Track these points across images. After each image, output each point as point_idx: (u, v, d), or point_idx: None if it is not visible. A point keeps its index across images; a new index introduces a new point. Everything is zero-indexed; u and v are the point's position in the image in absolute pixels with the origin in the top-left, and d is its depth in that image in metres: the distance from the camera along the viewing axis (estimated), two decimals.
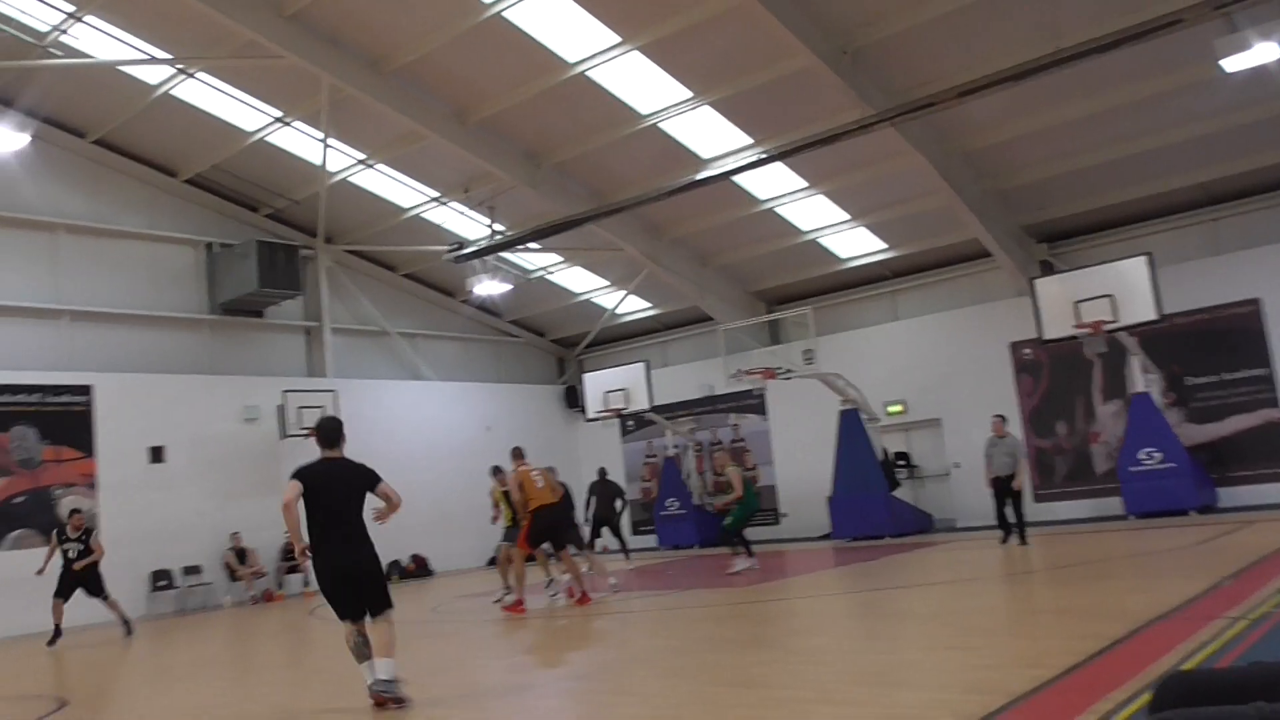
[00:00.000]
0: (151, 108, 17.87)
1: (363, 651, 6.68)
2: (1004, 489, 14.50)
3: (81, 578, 13.71)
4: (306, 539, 6.69)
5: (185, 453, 18.93)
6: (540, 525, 11.87)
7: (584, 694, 6.82)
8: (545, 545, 12.62)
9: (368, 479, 7.01)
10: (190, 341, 20.06)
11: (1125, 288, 15.94)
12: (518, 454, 12.66)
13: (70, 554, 13.62)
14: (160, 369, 19.19)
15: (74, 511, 14.33)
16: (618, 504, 18.19)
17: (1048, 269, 19.36)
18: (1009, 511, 14.63)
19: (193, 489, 18.97)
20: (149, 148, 19.49)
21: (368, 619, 6.78)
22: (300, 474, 6.79)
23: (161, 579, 18.19)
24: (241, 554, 18.88)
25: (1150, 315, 15.72)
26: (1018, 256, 19.30)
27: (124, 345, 19.01)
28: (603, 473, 18.88)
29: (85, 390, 17.86)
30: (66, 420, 17.55)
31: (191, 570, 18.60)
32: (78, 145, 18.81)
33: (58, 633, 13.57)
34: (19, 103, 16.90)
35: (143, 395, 18.51)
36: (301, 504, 6.64)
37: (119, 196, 19.40)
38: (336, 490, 6.81)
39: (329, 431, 7.15)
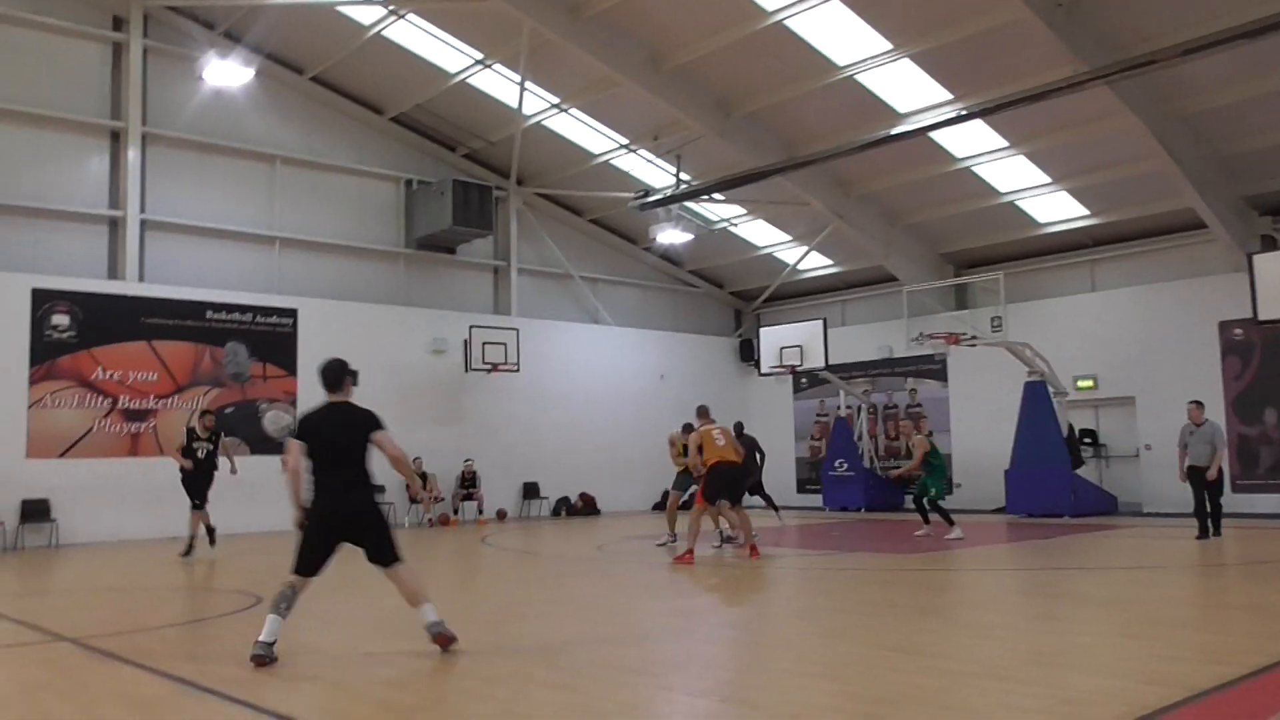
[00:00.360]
0: (364, 47, 18.69)
1: (284, 604, 6.16)
2: (1199, 480, 13.57)
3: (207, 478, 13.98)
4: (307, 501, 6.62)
5: (377, 378, 19.93)
6: (717, 481, 12.02)
7: (742, 643, 6.90)
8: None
9: (367, 424, 6.70)
10: (386, 273, 21.08)
11: None
12: (703, 412, 12.91)
13: (200, 454, 13.88)
14: (358, 298, 20.27)
15: (205, 413, 14.70)
16: (757, 459, 16.64)
17: (1270, 244, 17.94)
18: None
19: (382, 412, 19.88)
20: (359, 86, 20.43)
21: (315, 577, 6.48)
22: (300, 426, 6.71)
23: None
24: (422, 478, 19.86)
25: None
26: (1236, 229, 17.95)
27: (327, 273, 20.16)
28: (739, 428, 16.42)
29: (291, 314, 19.07)
30: (273, 340, 18.81)
31: (376, 489, 19.61)
32: (296, 81, 19.90)
33: (210, 535, 13.99)
34: (246, 39, 17.99)
35: (341, 321, 19.62)
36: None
37: (330, 132, 20.46)
38: (337, 436, 6.60)
39: (331, 374, 6.88)
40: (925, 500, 14.54)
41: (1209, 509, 13.61)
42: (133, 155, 17.78)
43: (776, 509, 17.61)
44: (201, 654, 6.53)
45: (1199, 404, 13.95)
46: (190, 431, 14.04)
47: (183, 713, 4.91)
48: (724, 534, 13.84)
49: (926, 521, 14.77)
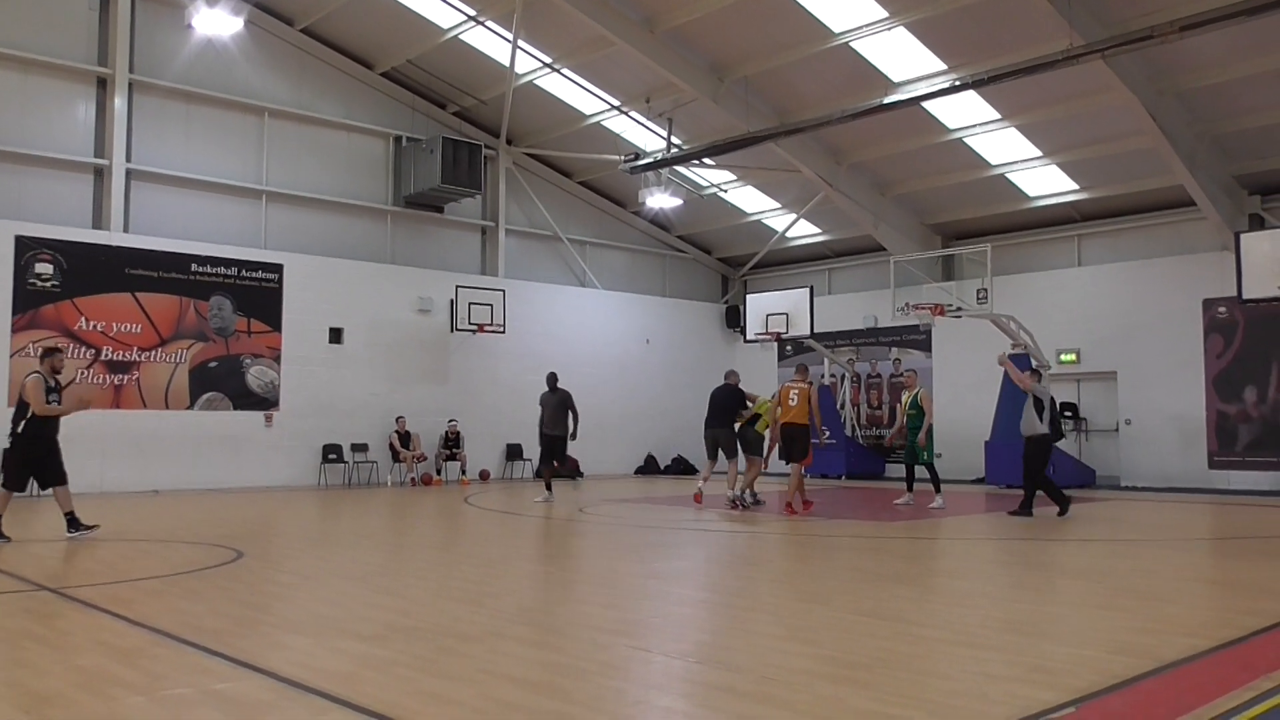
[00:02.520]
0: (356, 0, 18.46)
1: None
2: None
3: None
4: None
5: (362, 336, 19.95)
6: (782, 438, 13.42)
7: (720, 607, 6.97)
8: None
9: None
10: (373, 230, 20.96)
11: None
12: (802, 370, 14.14)
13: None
14: (344, 254, 20.18)
15: (53, 351, 10.65)
16: (569, 420, 15.36)
17: (1257, 223, 18.04)
18: None
19: (366, 371, 20.02)
20: (351, 39, 20.20)
21: None
22: None
23: (332, 453, 19.37)
24: (405, 437, 19.86)
25: None
26: (1224, 207, 18.00)
27: (313, 229, 20.03)
28: (552, 380, 15.86)
29: (277, 269, 18.97)
30: (258, 295, 18.72)
31: (359, 448, 19.73)
32: (286, 32, 19.66)
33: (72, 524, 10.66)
34: None
35: (327, 277, 19.54)
36: None
37: (320, 85, 20.26)
38: None
39: None
40: (920, 464, 14.39)
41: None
42: (119, 103, 17.57)
43: (558, 482, 15.95)
44: (181, 606, 6.55)
45: (1033, 371, 13.40)
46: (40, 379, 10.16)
47: (161, 662, 4.94)
48: (751, 495, 14.11)
49: (910, 489, 14.78)
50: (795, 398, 13.26)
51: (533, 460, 22.18)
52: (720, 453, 14.09)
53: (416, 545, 10.55)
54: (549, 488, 15.53)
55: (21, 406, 10.03)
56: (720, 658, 5.20)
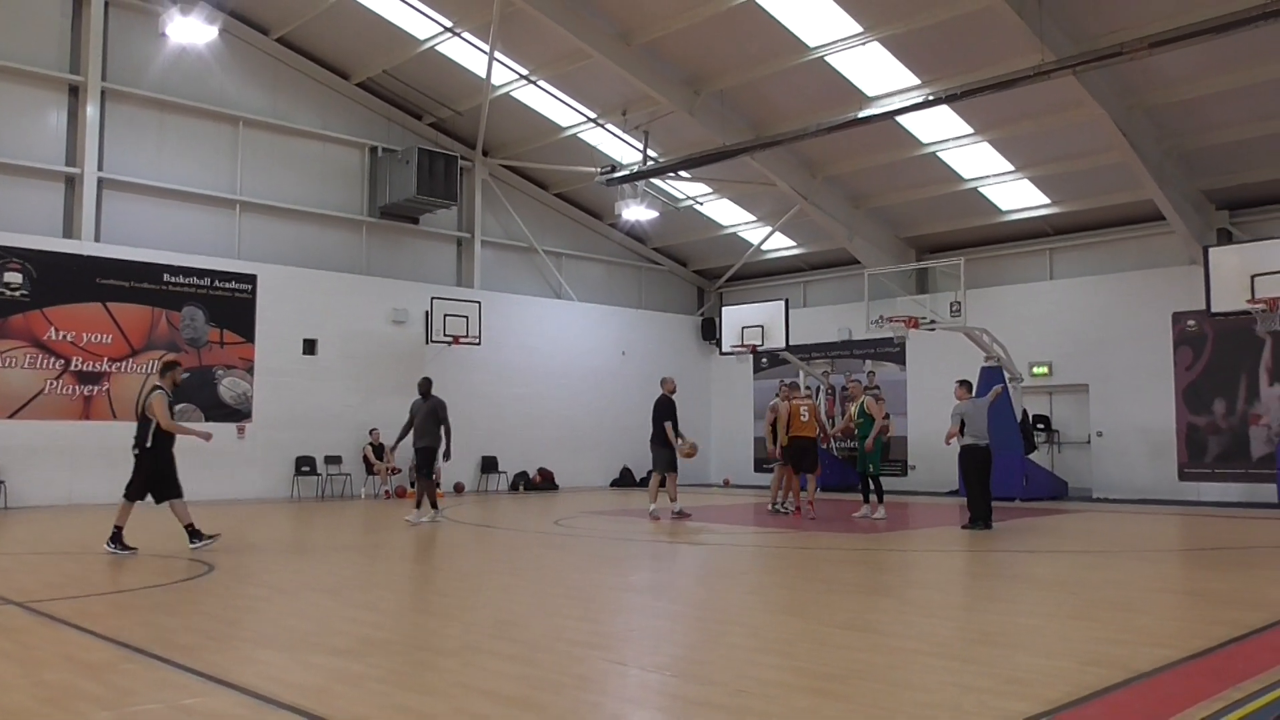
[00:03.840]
0: (331, 9, 18.43)
1: None
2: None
3: None
4: None
5: (336, 347, 19.83)
6: (791, 451, 14.49)
7: (694, 619, 6.95)
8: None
9: None
10: (348, 241, 20.87)
11: None
12: (794, 387, 14.87)
13: None
14: (319, 265, 20.07)
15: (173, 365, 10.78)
16: (442, 432, 13.79)
17: (1225, 237, 18.29)
18: None
19: (340, 383, 19.89)
20: (326, 48, 20.14)
21: None
22: None
23: (305, 465, 19.23)
24: (379, 449, 19.73)
25: None
26: (1193, 222, 18.24)
27: (287, 239, 19.92)
28: (425, 386, 14.34)
29: (251, 279, 18.84)
30: (232, 305, 18.59)
31: (333, 460, 19.60)
32: (261, 41, 19.58)
33: None
34: None
35: (301, 288, 19.42)
36: None
37: (295, 94, 20.17)
38: None
39: None
40: (872, 473, 14.25)
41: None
42: (91, 111, 17.43)
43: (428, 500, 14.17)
44: (151, 620, 6.47)
45: (962, 383, 13.45)
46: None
47: (130, 678, 4.87)
48: (674, 510, 14.15)
49: (867, 500, 14.62)
50: (806, 413, 14.62)
51: (507, 473, 22.13)
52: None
53: (390, 558, 10.48)
54: (420, 505, 13.83)
55: (145, 421, 10.13)
56: (695, 671, 5.19)
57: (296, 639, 5.96)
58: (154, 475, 10.18)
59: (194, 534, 10.24)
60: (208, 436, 10.60)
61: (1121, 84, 16.23)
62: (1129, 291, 19.53)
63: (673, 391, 14.71)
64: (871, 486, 14.28)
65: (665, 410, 14.42)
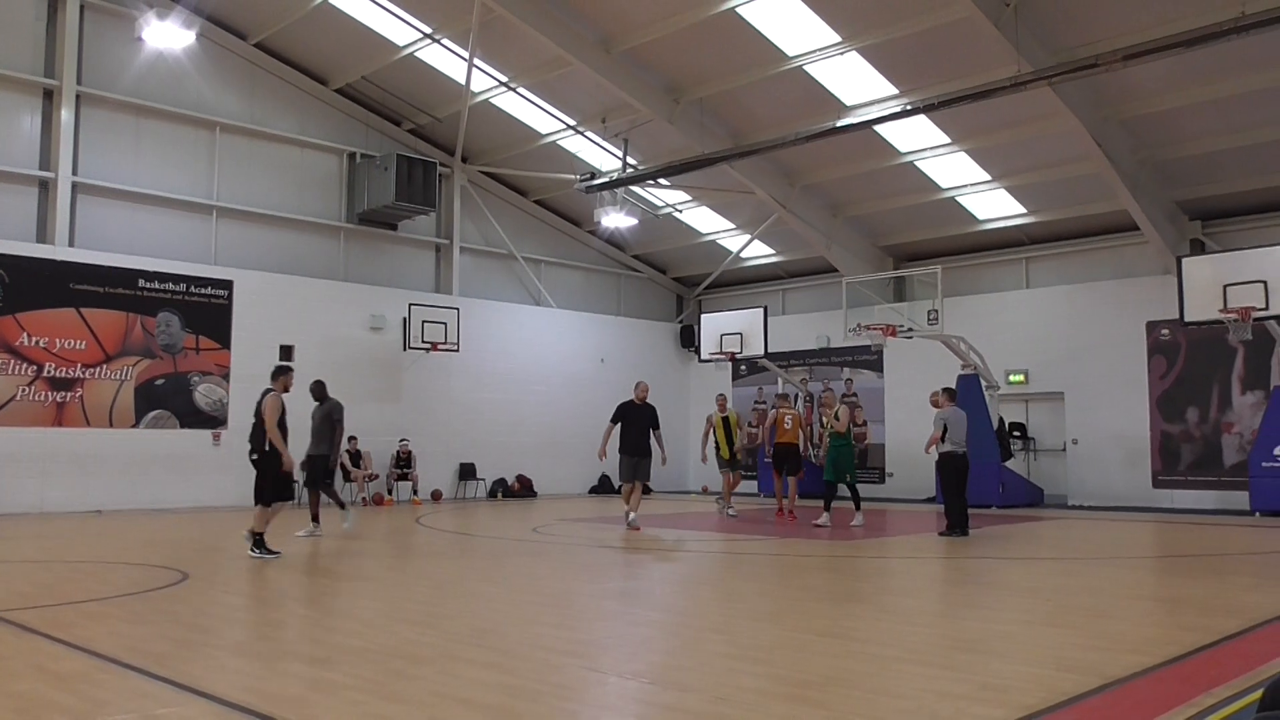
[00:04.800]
0: (310, 15, 18.35)
1: None
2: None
3: None
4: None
5: (313, 354, 19.70)
6: (775, 456, 15.84)
7: (673, 626, 6.95)
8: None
9: None
10: (326, 247, 20.77)
11: None
12: (784, 398, 15.92)
13: None
14: (296, 271, 19.95)
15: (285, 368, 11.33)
16: (336, 436, 13.31)
17: (1198, 248, 18.48)
18: None
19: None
20: (305, 54, 20.06)
21: None
22: None
23: None
24: (356, 457, 19.62)
25: None
26: (1167, 232, 18.43)
27: (265, 245, 19.80)
28: (319, 390, 13.50)
29: (227, 285, 18.72)
30: (208, 311, 18.45)
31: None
32: (239, 46, 19.47)
33: None
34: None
35: (278, 294, 19.30)
36: None
37: (273, 100, 20.07)
38: None
39: None
40: (843, 481, 14.33)
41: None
42: (66, 115, 17.28)
43: (342, 505, 13.77)
44: (124, 629, 6.40)
45: (945, 390, 13.55)
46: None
47: (102, 688, 4.82)
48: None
49: (828, 509, 14.55)
50: (790, 422, 15.69)
51: (485, 480, 22.06)
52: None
53: (367, 566, 10.42)
54: (317, 518, 13.13)
55: (261, 425, 10.25)
56: (673, 678, 5.19)
57: (272, 647, 5.92)
58: (272, 475, 10.31)
59: (258, 542, 10.30)
60: (288, 464, 10.42)
61: (1096, 95, 16.39)
62: (1104, 300, 19.70)
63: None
64: (849, 494, 14.38)
65: (656, 419, 14.11)
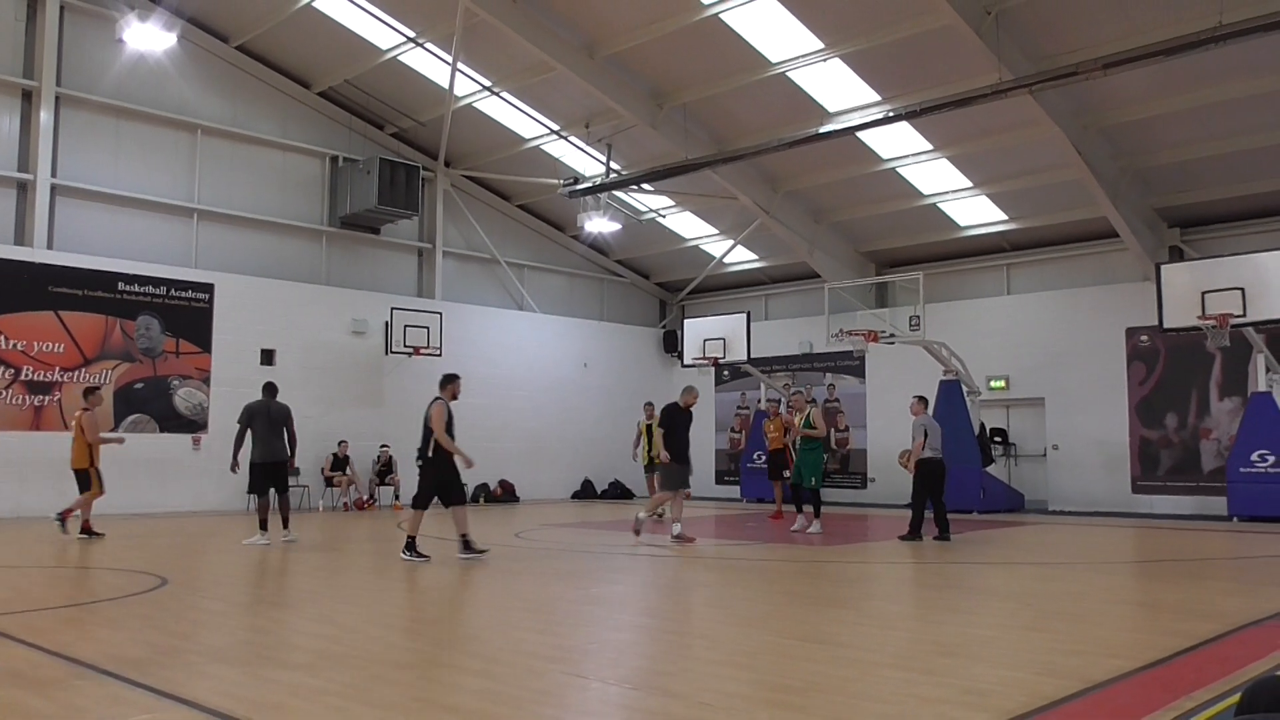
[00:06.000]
0: (293, 18, 18.29)
1: None
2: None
3: None
4: None
5: (294, 358, 19.62)
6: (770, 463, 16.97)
7: (656, 632, 6.95)
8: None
9: None
10: (308, 251, 20.68)
11: (1259, 281, 15.28)
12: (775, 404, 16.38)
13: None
14: (277, 275, 19.85)
15: None
16: (285, 439, 12.65)
17: (1177, 255, 18.63)
18: None
19: (299, 394, 19.56)
20: (287, 57, 19.97)
21: None
22: None
23: None
24: (343, 461, 19.47)
25: None
26: (1146, 240, 18.58)
27: (246, 248, 19.69)
28: (270, 389, 12.92)
29: (208, 288, 18.60)
30: (188, 315, 18.33)
31: (290, 471, 19.28)
32: (221, 49, 19.38)
33: None
34: (167, 1, 17.42)
35: (259, 298, 19.20)
36: None
37: (255, 103, 19.97)
38: None
39: None
40: (811, 487, 14.27)
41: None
42: (45, 116, 17.15)
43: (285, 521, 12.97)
44: (102, 635, 6.34)
45: (919, 399, 13.68)
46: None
47: (79, 694, 4.77)
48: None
49: (800, 511, 14.65)
50: (773, 428, 16.86)
51: (468, 485, 21.96)
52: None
53: (347, 571, 10.37)
54: (288, 524, 12.89)
55: (427, 432, 10.46)
56: (657, 684, 5.18)
57: (251, 653, 5.88)
58: (438, 483, 10.49)
59: (466, 544, 10.42)
60: (469, 463, 10.77)
61: (1077, 103, 16.51)
62: (1084, 307, 19.82)
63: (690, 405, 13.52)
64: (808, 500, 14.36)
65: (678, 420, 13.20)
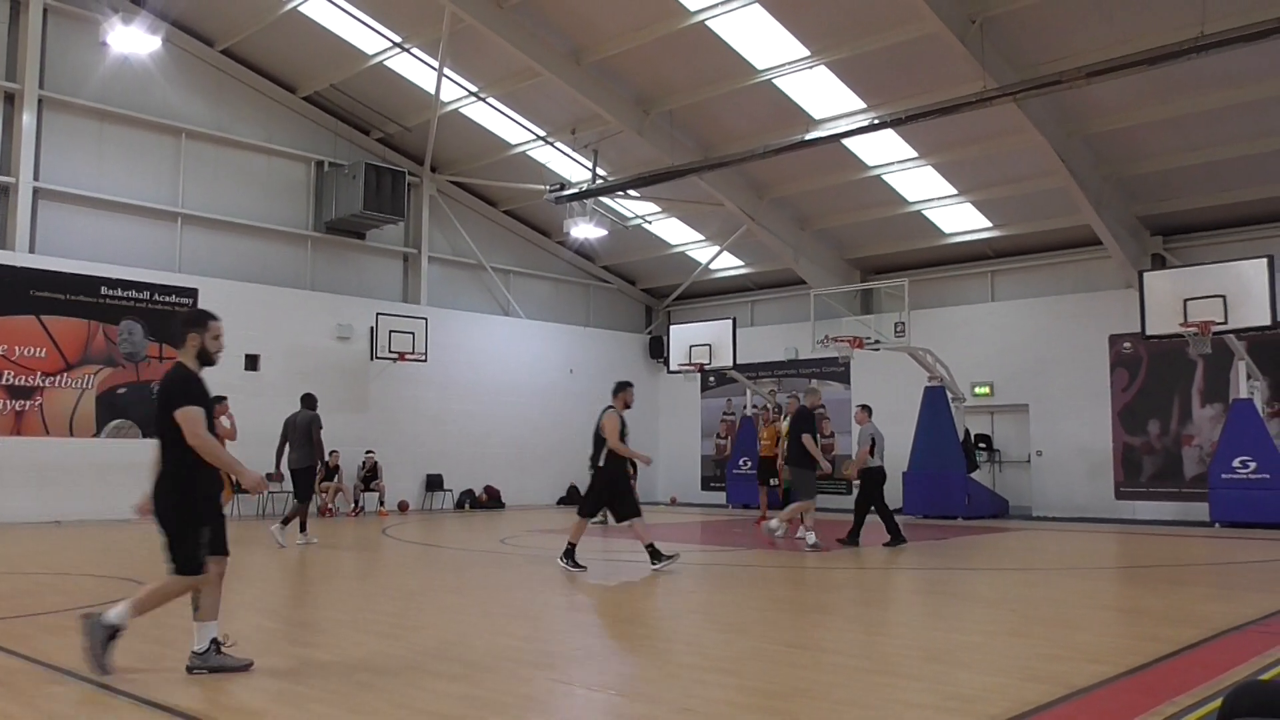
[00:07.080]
0: (279, 22, 18.25)
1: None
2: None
3: None
4: None
5: (279, 363, 19.53)
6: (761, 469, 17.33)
7: (641, 638, 6.93)
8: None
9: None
10: (293, 256, 20.60)
11: (1240, 289, 15.39)
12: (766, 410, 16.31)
13: None
14: (262, 280, 19.77)
15: None
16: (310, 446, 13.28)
17: (1159, 263, 18.76)
18: None
19: (283, 400, 19.50)
20: (273, 61, 19.92)
21: None
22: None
23: None
24: (332, 471, 19.28)
25: (1264, 320, 15.20)
26: (1129, 247, 18.70)
27: (230, 253, 19.60)
28: (303, 403, 13.72)
29: (191, 293, 18.51)
30: (171, 319, 18.21)
31: (273, 478, 19.17)
32: (205, 53, 19.31)
33: None
34: (151, 4, 17.35)
35: (244, 303, 19.10)
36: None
37: (240, 107, 19.91)
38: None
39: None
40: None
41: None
42: (27, 119, 17.05)
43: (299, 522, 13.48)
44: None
45: (864, 407, 13.74)
46: None
47: (60, 701, 4.73)
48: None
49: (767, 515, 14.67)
50: (766, 435, 17.30)
51: (453, 491, 21.93)
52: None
53: (332, 577, 10.32)
54: (305, 527, 13.42)
55: (599, 441, 10.36)
56: (642, 690, 5.17)
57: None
58: (609, 494, 10.39)
59: (654, 554, 10.25)
60: (647, 460, 10.77)
61: (1061, 112, 16.61)
62: (1068, 314, 19.93)
63: (815, 406, 13.20)
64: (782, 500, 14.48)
65: (808, 423, 12.71)
